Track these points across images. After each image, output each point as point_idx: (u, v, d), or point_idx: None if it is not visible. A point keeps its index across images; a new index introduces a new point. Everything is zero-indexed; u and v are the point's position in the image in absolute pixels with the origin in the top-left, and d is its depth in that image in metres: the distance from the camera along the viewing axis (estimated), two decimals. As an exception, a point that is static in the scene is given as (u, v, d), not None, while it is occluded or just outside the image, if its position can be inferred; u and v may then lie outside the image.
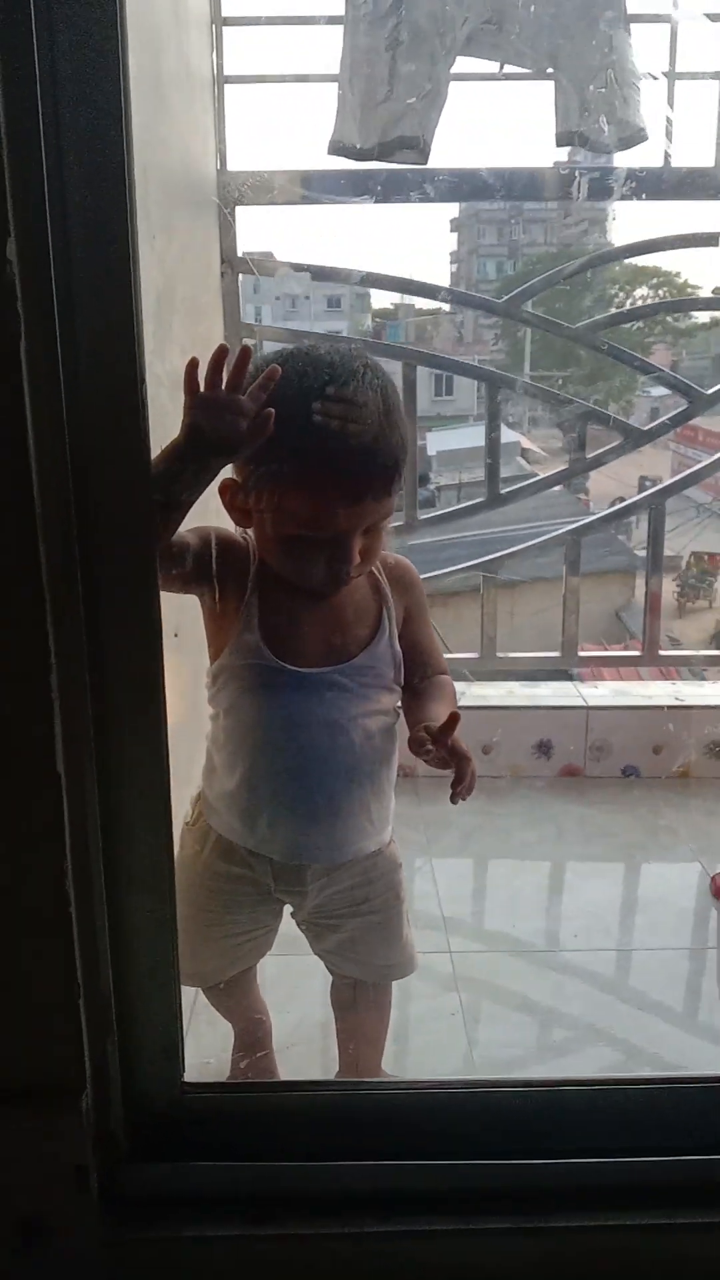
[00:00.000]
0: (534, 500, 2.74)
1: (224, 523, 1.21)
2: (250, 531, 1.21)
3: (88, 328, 0.90)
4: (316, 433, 1.08)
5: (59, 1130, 1.02)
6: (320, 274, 2.43)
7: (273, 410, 1.03)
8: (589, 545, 2.67)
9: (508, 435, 2.78)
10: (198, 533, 1.14)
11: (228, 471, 1.15)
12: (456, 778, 1.18)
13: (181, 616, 1.23)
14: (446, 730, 1.15)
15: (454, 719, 1.16)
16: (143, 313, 0.92)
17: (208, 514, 1.17)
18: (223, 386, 1.02)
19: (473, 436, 2.75)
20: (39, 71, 0.84)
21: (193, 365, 1.02)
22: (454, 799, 1.19)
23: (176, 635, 1.11)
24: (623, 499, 2.85)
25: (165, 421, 1.04)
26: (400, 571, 1.28)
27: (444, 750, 1.15)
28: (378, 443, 1.11)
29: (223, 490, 1.16)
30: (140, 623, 0.96)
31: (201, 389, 1.02)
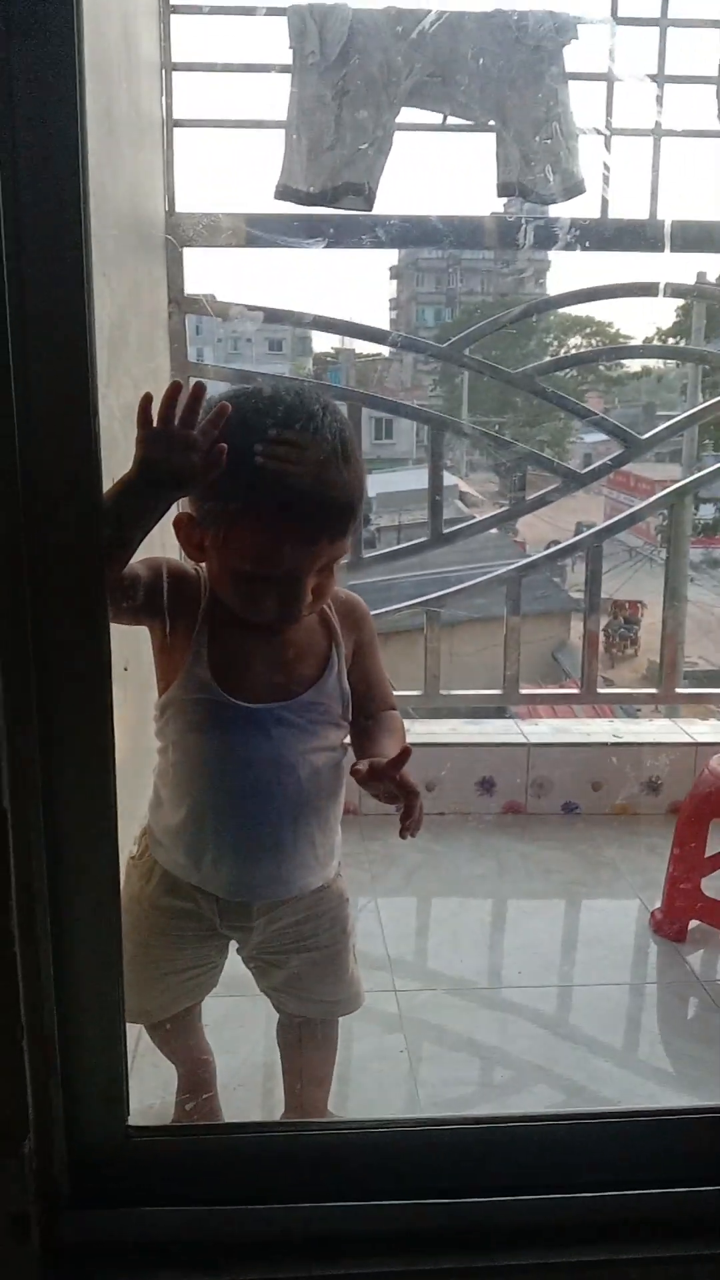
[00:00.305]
0: (472, 543, 2.78)
1: (174, 555, 1.21)
2: (202, 565, 1.20)
3: (41, 357, 0.90)
4: (274, 472, 1.09)
5: (1, 1177, 0.99)
6: (268, 316, 2.46)
7: (224, 446, 1.04)
8: (527, 588, 2.71)
9: (445, 479, 2.82)
10: (148, 564, 1.14)
11: (183, 505, 1.15)
12: (405, 812, 1.18)
13: (132, 649, 1.22)
14: (396, 764, 1.15)
15: (404, 753, 1.16)
16: (96, 346, 0.93)
17: (155, 547, 1.17)
18: (175, 422, 1.03)
19: (412, 479, 2.79)
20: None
21: (146, 400, 1.02)
22: (403, 834, 1.19)
23: (126, 669, 1.11)
24: (557, 541, 2.91)
25: (117, 454, 1.04)
26: (350, 608, 1.28)
27: (393, 785, 1.15)
28: (334, 485, 1.12)
29: (177, 524, 1.17)
30: (89, 655, 0.96)
31: (154, 424, 1.02)
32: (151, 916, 1.29)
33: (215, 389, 1.13)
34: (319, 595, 1.17)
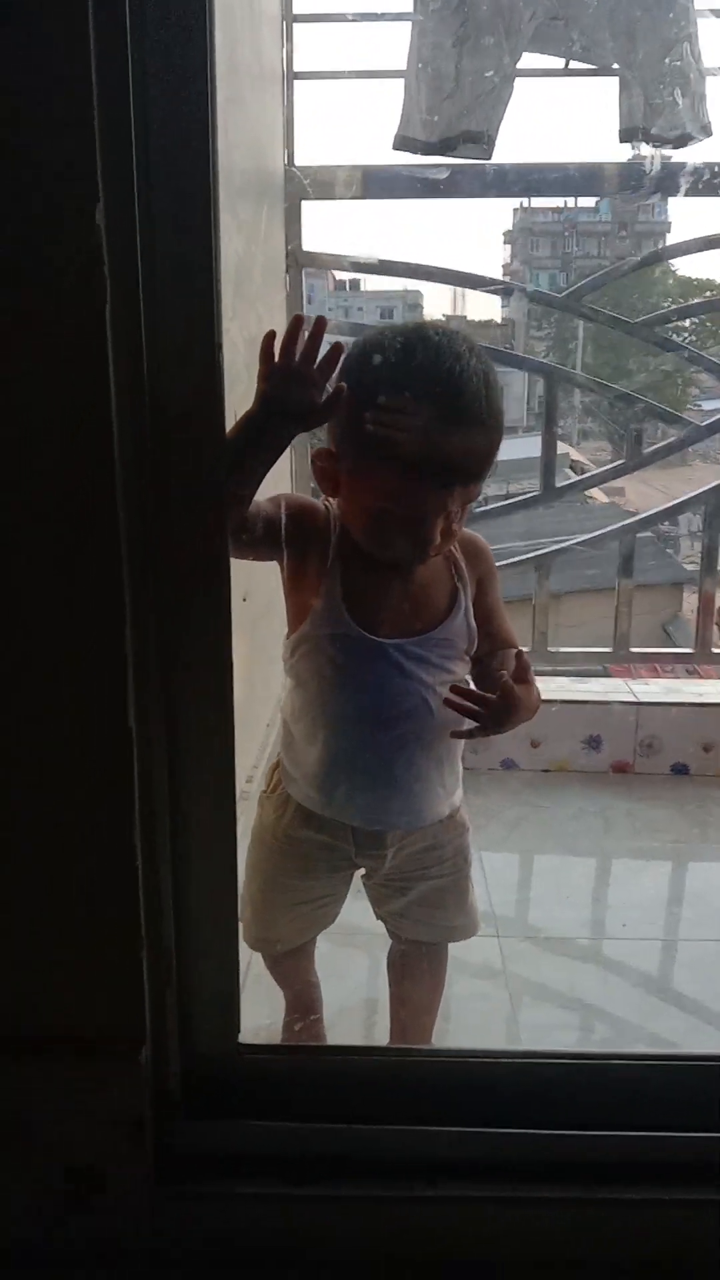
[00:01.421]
0: (583, 513, 2.74)
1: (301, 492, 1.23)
2: (330, 501, 1.22)
3: (169, 296, 0.92)
4: (418, 412, 1.09)
5: (117, 1082, 1.05)
6: (382, 269, 2.45)
7: (344, 386, 1.05)
8: (636, 557, 2.67)
9: (557, 447, 2.79)
10: (274, 500, 1.17)
11: (322, 439, 1.18)
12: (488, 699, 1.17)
13: (251, 582, 1.25)
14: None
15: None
16: (221, 286, 0.95)
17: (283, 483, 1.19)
18: (297, 358, 1.04)
19: (523, 448, 2.76)
20: (130, 45, 0.86)
21: (270, 336, 1.04)
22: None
23: (245, 600, 1.14)
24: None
25: (239, 388, 1.07)
26: (473, 546, 1.29)
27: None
28: (476, 428, 1.12)
29: (315, 458, 1.19)
30: (210, 585, 0.99)
31: (277, 359, 1.04)
32: (286, 848, 1.33)
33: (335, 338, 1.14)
34: (446, 537, 1.18)
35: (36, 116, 0.85)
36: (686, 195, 2.31)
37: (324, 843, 1.31)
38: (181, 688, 1.01)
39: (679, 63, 2.10)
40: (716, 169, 2.30)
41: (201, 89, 0.89)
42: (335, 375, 1.08)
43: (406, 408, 1.09)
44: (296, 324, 1.04)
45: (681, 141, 2.18)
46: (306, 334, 1.04)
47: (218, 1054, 1.12)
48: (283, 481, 1.19)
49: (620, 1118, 1.13)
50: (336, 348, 1.06)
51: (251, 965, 1.51)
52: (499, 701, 1.16)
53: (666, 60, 2.12)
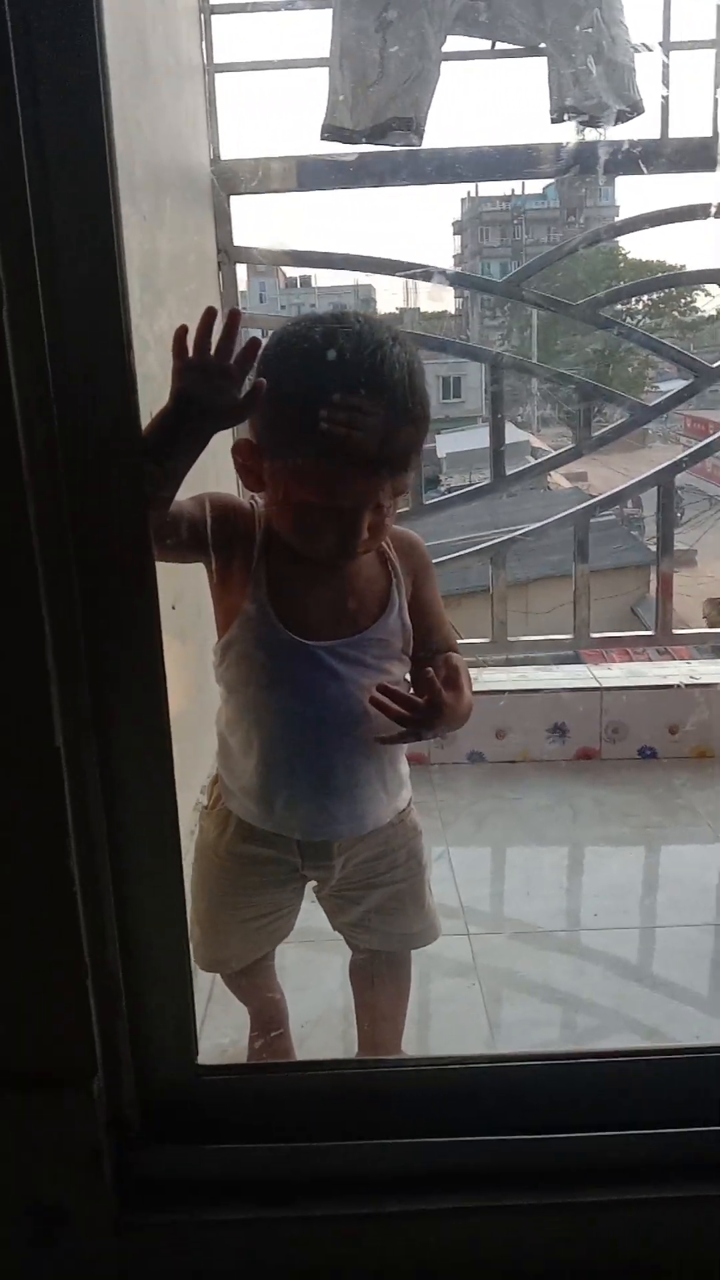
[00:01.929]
0: (543, 499, 2.72)
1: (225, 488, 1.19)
2: (258, 497, 1.19)
3: (72, 291, 0.88)
4: (338, 402, 1.06)
5: (71, 1114, 1.01)
6: (319, 261, 2.41)
7: (263, 380, 1.02)
8: (602, 541, 2.66)
9: (516, 434, 2.78)
10: (195, 500, 1.13)
11: (244, 431, 1.14)
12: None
13: (179, 587, 1.20)
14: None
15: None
16: (128, 280, 0.91)
17: (209, 482, 1.15)
18: (211, 353, 1.00)
19: (481, 438, 2.73)
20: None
21: (181, 331, 1.00)
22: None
23: (174, 607, 1.09)
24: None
25: (153, 386, 1.02)
26: (407, 544, 1.26)
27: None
28: (399, 418, 1.08)
29: (236, 451, 1.15)
30: (137, 591, 0.95)
31: (190, 354, 1.00)
32: (229, 865, 1.29)
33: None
34: (376, 532, 1.14)
35: None
36: (607, 173, 2.29)
37: (269, 857, 1.27)
38: (113, 701, 0.96)
39: (590, 30, 2.07)
40: (637, 145, 2.28)
41: (93, 79, 0.85)
42: (254, 368, 1.04)
43: (329, 398, 1.05)
44: (209, 317, 1.00)
45: (600, 111, 2.15)
46: (221, 328, 1.00)
47: (175, 1078, 1.08)
48: (208, 479, 1.14)
49: (605, 1117, 1.10)
50: (253, 342, 1.02)
51: (215, 983, 1.47)
52: (426, 705, 1.13)
53: (577, 29, 2.09)
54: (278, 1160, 1.08)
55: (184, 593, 1.23)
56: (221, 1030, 1.47)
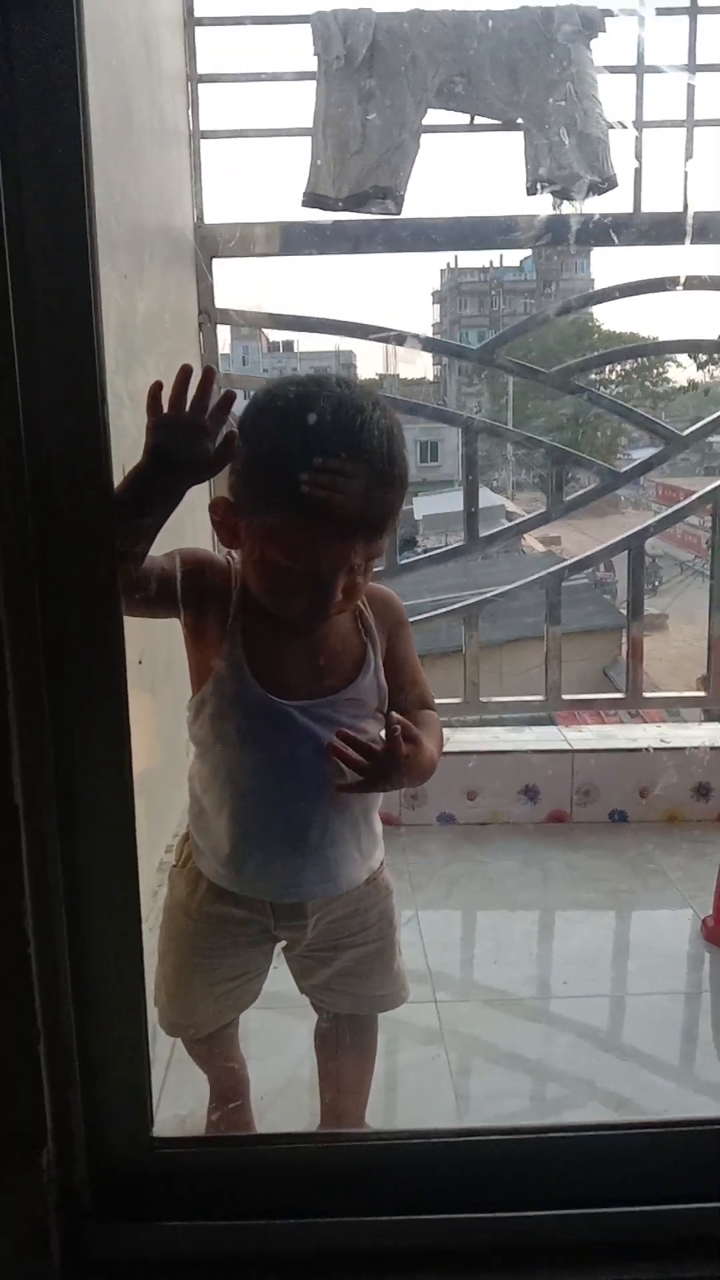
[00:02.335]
0: (517, 563, 2.75)
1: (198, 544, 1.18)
2: (234, 553, 1.18)
3: (47, 346, 0.88)
4: (316, 466, 1.05)
5: (17, 1187, 0.96)
6: (298, 324, 2.44)
7: (235, 432, 1.02)
8: (576, 604, 2.68)
9: (491, 499, 2.81)
10: (169, 555, 1.12)
11: (221, 489, 1.14)
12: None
13: (147, 641, 1.19)
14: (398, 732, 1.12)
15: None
16: (104, 336, 0.91)
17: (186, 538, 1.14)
18: (185, 408, 1.00)
19: (458, 501, 2.76)
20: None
21: (156, 387, 1.00)
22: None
23: (141, 663, 1.08)
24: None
25: (124, 443, 1.02)
26: (384, 601, 1.25)
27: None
28: (377, 484, 1.08)
29: (213, 509, 1.14)
30: (102, 647, 0.93)
31: (165, 410, 1.00)
32: (200, 925, 1.26)
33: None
34: (349, 595, 1.13)
35: None
36: (580, 243, 2.34)
37: (241, 918, 1.24)
38: (74, 757, 0.94)
39: (564, 103, 2.13)
40: (609, 218, 2.33)
41: (75, 139, 0.86)
42: (230, 425, 1.04)
43: (307, 461, 1.05)
44: (185, 374, 1.00)
45: (573, 183, 2.20)
46: (195, 385, 1.01)
47: (130, 1151, 1.03)
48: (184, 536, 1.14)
49: (574, 1193, 1.07)
50: (228, 395, 1.02)
51: (174, 1050, 1.43)
52: (383, 754, 1.11)
53: (551, 102, 2.15)
54: (237, 1239, 1.04)
55: (152, 647, 1.22)
56: (179, 1101, 1.42)
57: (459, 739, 2.59)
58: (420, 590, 2.92)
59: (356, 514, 1.07)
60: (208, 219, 2.36)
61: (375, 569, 1.18)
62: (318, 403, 1.07)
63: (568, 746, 2.56)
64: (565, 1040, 1.87)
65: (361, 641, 1.22)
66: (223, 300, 2.38)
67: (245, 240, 2.35)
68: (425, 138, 2.29)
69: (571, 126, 2.23)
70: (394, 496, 1.11)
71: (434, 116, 2.31)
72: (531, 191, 2.31)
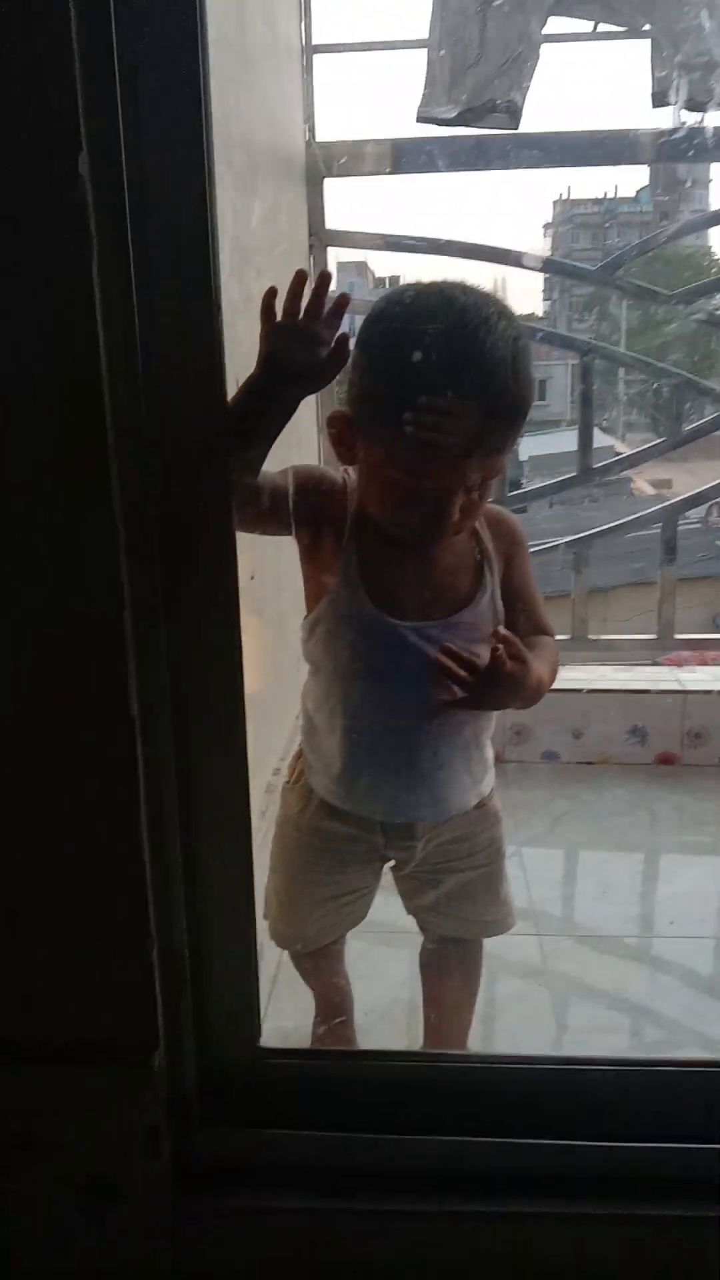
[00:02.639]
0: (624, 506, 2.67)
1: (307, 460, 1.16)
2: (351, 471, 1.15)
3: (162, 251, 0.86)
4: (440, 377, 1.01)
5: (130, 1089, 0.99)
6: (410, 246, 2.38)
7: (349, 335, 0.99)
8: (686, 549, 2.58)
9: (601, 439, 2.72)
10: (284, 471, 1.10)
11: (340, 402, 1.11)
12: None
13: (259, 558, 1.18)
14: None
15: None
16: (218, 246, 0.88)
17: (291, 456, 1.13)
18: (300, 316, 0.98)
19: (566, 442, 2.68)
20: None
21: (270, 294, 0.98)
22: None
23: (253, 578, 1.07)
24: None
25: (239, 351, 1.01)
26: (502, 523, 1.22)
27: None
28: (502, 395, 1.04)
29: (330, 422, 1.11)
30: (216, 560, 0.93)
31: (280, 317, 0.98)
32: (312, 841, 1.27)
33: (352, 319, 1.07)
34: (467, 514, 1.10)
35: (13, 62, 0.79)
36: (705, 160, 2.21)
37: (351, 835, 1.24)
38: (188, 672, 0.94)
39: (698, 10, 2.01)
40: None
41: (193, 60, 0.83)
42: (351, 333, 1.02)
43: (426, 374, 1.01)
44: (300, 280, 0.97)
45: (704, 95, 2.08)
46: (309, 292, 0.98)
47: (238, 1059, 1.05)
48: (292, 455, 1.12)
49: (673, 1128, 1.05)
50: (342, 299, 0.99)
51: (280, 965, 1.45)
52: (488, 671, 1.08)
53: (696, 26, 2.03)
54: (337, 1150, 1.06)
55: (262, 566, 1.21)
56: (284, 1013, 1.44)
57: (565, 676, 2.52)
58: (528, 533, 2.86)
59: (476, 429, 1.03)
60: (320, 137, 2.31)
61: (493, 490, 1.14)
62: (440, 311, 1.03)
63: (680, 687, 2.49)
64: (667, 981, 1.85)
65: (478, 564, 1.19)
66: (333, 222, 2.33)
67: (357, 158, 2.29)
68: (545, 48, 2.19)
69: (707, 49, 2.10)
70: (518, 412, 1.06)
71: (555, 24, 2.20)
72: (658, 103, 2.19)
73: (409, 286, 1.07)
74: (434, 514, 1.08)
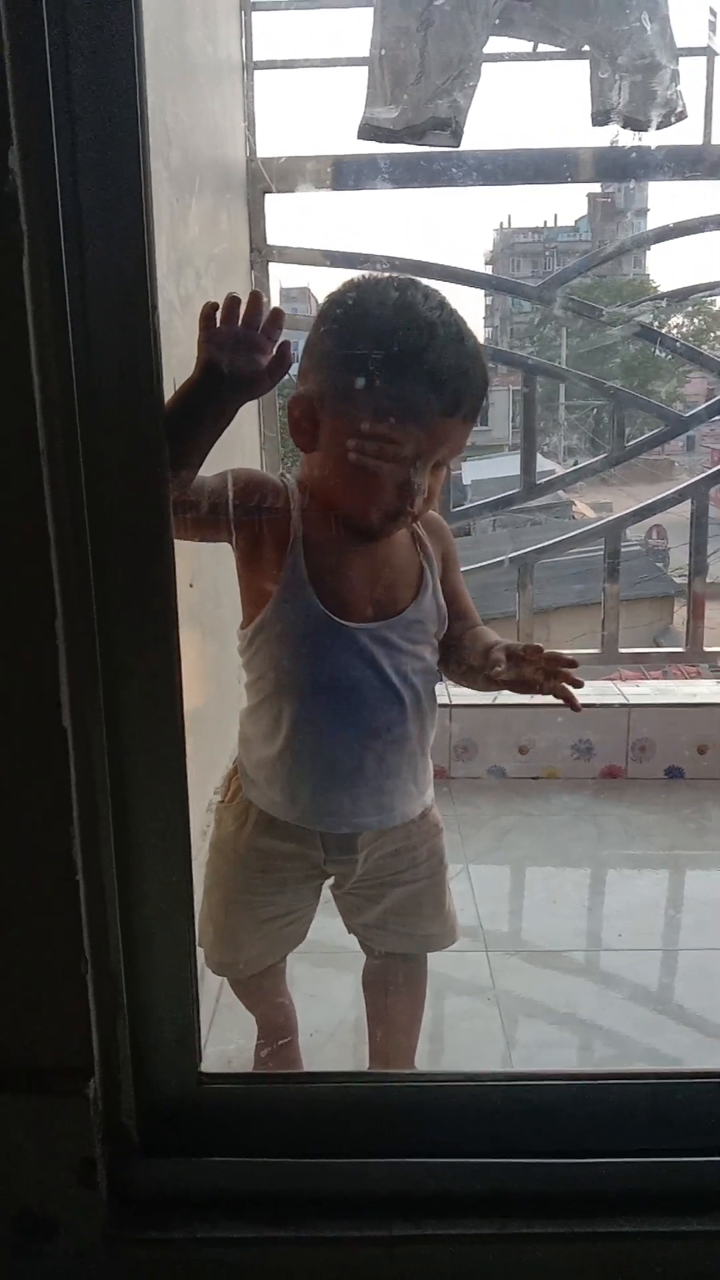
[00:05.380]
0: (566, 528, 2.70)
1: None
2: (289, 474, 1.15)
3: (96, 248, 0.84)
4: (409, 349, 1.03)
5: (63, 1118, 0.95)
6: (351, 261, 2.38)
7: (290, 342, 0.98)
8: (628, 571, 2.62)
9: (542, 463, 2.74)
10: (221, 475, 1.08)
11: (299, 387, 1.11)
12: (564, 690, 1.12)
13: (195, 565, 1.16)
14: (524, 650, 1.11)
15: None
16: (155, 251, 0.86)
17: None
18: (238, 323, 0.97)
19: (508, 466, 2.70)
20: None
21: (209, 307, 0.98)
22: (575, 707, 1.13)
23: (191, 585, 1.05)
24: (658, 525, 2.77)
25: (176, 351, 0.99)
26: (434, 523, 1.23)
27: (539, 662, 1.10)
28: (469, 360, 1.07)
29: (292, 406, 1.11)
30: (152, 568, 0.90)
31: (219, 323, 0.97)
32: (250, 861, 1.24)
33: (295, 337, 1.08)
34: (430, 496, 1.12)
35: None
36: (642, 179, 2.24)
37: (291, 851, 1.22)
38: (124, 682, 0.92)
39: (635, 31, 2.04)
40: (677, 151, 2.24)
41: (128, 53, 0.82)
42: (295, 352, 1.02)
43: (405, 337, 1.03)
44: (233, 299, 0.98)
45: (641, 115, 2.11)
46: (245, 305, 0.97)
47: (177, 1085, 1.02)
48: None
49: (624, 1143, 1.04)
50: (277, 312, 0.99)
51: (223, 987, 1.41)
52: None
53: (622, 29, 2.06)
54: (281, 1177, 1.03)
55: (200, 574, 1.18)
56: (227, 1037, 1.41)
57: (511, 692, 2.53)
58: (471, 555, 2.86)
59: (461, 387, 1.06)
60: (261, 152, 2.30)
61: (447, 476, 1.16)
62: (403, 288, 1.07)
63: (624, 700, 2.50)
64: (616, 997, 1.83)
65: (419, 563, 1.19)
66: (275, 237, 2.32)
67: (298, 174, 2.28)
68: (486, 67, 2.20)
69: (643, 57, 2.13)
70: (484, 378, 1.10)
71: (495, 44, 2.21)
72: (597, 122, 2.21)
73: (363, 276, 1.11)
74: (403, 492, 1.08)
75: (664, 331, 2.66)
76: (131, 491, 0.89)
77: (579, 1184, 1.02)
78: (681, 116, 2.22)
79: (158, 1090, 1.01)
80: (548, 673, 1.11)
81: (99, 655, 0.90)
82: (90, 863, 0.92)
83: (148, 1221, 1.00)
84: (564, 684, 1.11)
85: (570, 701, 1.12)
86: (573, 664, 1.11)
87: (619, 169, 2.28)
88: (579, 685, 1.12)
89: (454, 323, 1.06)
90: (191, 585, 1.05)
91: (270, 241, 2.32)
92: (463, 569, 1.29)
